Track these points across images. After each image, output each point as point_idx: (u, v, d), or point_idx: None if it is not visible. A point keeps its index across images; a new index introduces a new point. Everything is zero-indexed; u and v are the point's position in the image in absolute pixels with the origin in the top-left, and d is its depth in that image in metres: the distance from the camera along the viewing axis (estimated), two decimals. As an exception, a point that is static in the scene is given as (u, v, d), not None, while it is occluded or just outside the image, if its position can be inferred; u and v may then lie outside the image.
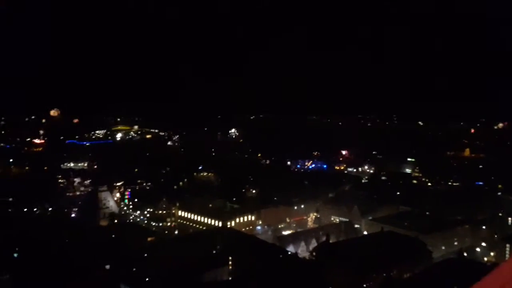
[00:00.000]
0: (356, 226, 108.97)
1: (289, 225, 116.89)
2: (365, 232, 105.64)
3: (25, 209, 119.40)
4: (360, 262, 71.39)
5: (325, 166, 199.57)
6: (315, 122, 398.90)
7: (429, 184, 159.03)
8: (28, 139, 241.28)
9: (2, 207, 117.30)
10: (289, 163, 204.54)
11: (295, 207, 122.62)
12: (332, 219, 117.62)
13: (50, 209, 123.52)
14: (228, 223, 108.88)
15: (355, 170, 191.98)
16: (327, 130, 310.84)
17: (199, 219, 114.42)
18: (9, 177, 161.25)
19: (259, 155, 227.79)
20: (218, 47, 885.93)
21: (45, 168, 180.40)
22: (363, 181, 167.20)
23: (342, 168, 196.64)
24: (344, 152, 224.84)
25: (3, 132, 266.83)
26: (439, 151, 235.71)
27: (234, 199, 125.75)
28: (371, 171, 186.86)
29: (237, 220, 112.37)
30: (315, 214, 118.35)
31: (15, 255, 78.20)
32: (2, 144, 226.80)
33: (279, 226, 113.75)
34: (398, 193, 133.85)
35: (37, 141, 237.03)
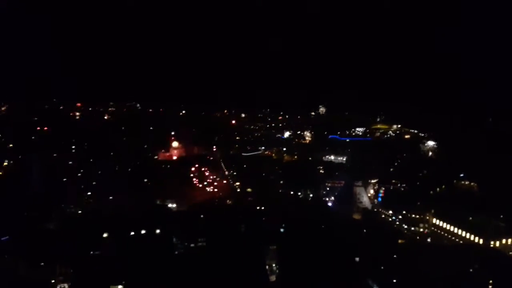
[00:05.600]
0: None
1: None
2: None
3: (291, 192, 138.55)
4: None
5: None
6: None
7: None
8: (299, 131, 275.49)
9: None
10: None
11: None
12: None
13: (311, 195, 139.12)
14: (492, 243, 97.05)
15: None
16: None
17: (456, 231, 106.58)
18: (282, 163, 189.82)
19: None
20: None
21: (310, 158, 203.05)
22: None
23: None
24: None
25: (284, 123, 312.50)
26: None
27: (501, 216, 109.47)
28: None
29: (504, 241, 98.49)
30: None
31: (281, 230, 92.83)
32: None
33: None
34: None
35: (307, 133, 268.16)
